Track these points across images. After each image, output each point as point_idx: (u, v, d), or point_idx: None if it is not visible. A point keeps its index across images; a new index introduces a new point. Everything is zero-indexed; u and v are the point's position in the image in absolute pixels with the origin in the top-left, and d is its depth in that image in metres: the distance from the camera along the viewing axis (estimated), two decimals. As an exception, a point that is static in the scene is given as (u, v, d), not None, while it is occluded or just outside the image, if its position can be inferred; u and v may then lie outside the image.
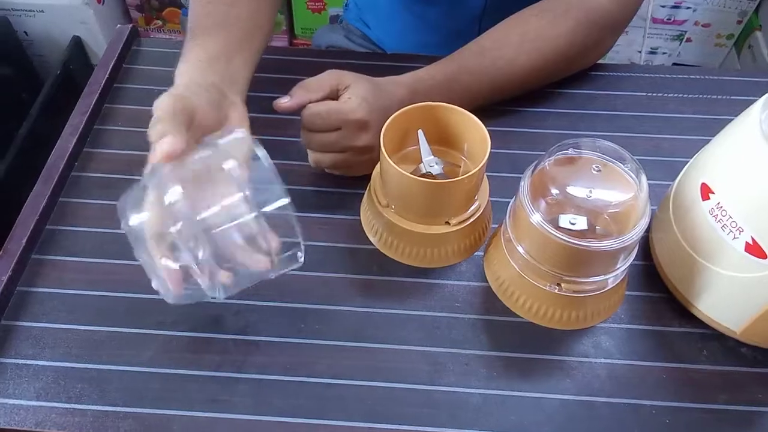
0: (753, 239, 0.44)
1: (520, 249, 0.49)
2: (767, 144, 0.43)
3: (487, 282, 0.54)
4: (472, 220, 0.53)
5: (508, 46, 0.62)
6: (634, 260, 0.55)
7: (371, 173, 0.56)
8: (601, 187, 0.46)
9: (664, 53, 1.56)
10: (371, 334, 0.50)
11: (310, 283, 0.53)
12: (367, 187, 0.56)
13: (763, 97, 0.46)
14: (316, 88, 0.54)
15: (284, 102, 0.54)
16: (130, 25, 0.74)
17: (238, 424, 0.46)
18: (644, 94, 0.70)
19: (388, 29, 0.90)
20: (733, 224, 0.45)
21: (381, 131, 0.50)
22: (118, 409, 0.46)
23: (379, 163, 0.54)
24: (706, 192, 0.47)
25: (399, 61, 0.70)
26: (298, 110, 0.54)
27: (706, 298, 0.49)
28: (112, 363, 0.48)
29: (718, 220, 0.46)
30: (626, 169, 0.47)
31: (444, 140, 0.56)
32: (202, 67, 0.52)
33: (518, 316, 0.52)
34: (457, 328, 0.51)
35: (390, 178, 0.51)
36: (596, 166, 0.46)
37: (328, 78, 0.55)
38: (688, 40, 1.56)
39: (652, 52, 1.55)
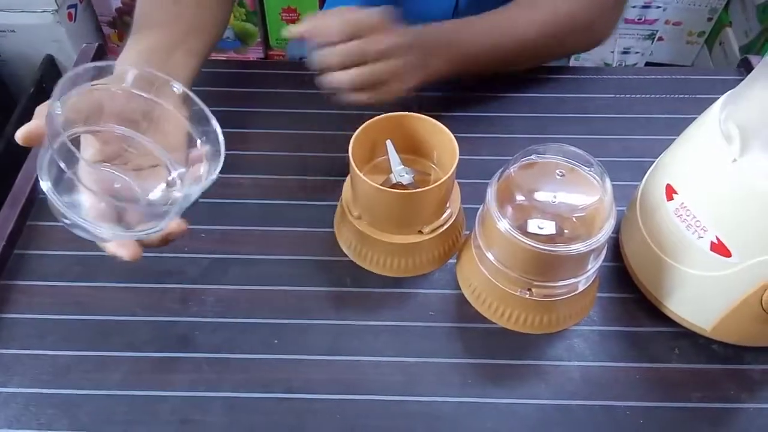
0: (717, 238, 0.44)
1: (489, 256, 0.49)
2: (726, 144, 0.43)
3: (459, 290, 0.54)
4: (444, 228, 0.53)
5: (513, 10, 0.64)
6: (605, 262, 0.55)
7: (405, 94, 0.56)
8: (566, 191, 0.47)
9: (637, 53, 1.58)
10: (346, 347, 0.50)
11: (283, 298, 0.53)
12: (339, 200, 0.56)
13: (722, 97, 0.46)
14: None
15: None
16: (97, 44, 0.73)
17: (213, 444, 0.45)
18: (613, 95, 0.70)
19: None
20: (698, 224, 0.45)
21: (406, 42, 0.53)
22: (89, 434, 0.45)
23: (349, 176, 0.54)
24: (670, 193, 0.47)
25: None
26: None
27: (676, 297, 0.50)
28: (82, 387, 0.48)
29: (682, 220, 0.46)
30: (591, 172, 0.47)
31: (413, 149, 0.56)
32: (141, 58, 0.52)
33: (492, 323, 0.52)
34: (431, 337, 0.51)
35: (360, 190, 0.51)
36: (560, 171, 0.47)
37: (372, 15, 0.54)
38: (660, 39, 1.58)
39: (625, 52, 1.56)
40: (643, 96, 0.71)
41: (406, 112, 0.53)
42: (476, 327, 0.52)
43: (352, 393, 0.48)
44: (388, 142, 0.54)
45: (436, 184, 0.49)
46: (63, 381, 0.48)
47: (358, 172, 0.49)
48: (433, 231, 0.52)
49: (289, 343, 0.50)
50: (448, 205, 0.53)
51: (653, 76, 0.73)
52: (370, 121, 0.52)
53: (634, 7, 1.47)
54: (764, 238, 0.43)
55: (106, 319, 0.51)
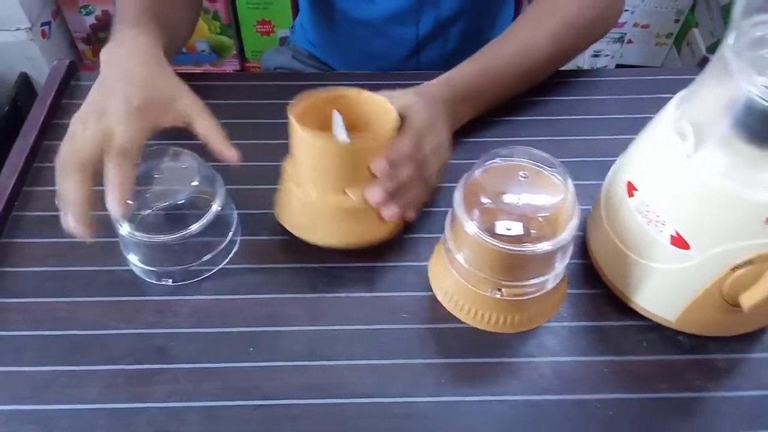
0: (676, 232, 0.46)
1: (459, 258, 0.50)
2: (680, 140, 0.45)
3: (432, 292, 0.55)
4: None
5: (525, 30, 0.66)
6: (574, 259, 0.57)
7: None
8: (530, 193, 0.48)
9: (607, 55, 1.61)
10: (321, 352, 0.51)
11: (256, 306, 0.54)
12: (279, 182, 0.56)
13: (676, 96, 0.48)
14: (402, 148, 0.53)
15: (378, 165, 0.52)
16: (68, 61, 0.73)
17: (191, 453, 0.46)
18: (577, 97, 0.72)
19: (331, 47, 0.91)
20: (657, 219, 0.46)
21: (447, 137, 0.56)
22: (67, 448, 0.46)
23: (287, 158, 0.55)
24: (630, 189, 0.49)
25: (348, 79, 0.72)
26: None
27: (641, 291, 0.51)
28: (60, 402, 0.48)
29: (643, 216, 0.48)
30: (554, 173, 0.48)
31: (357, 129, 0.56)
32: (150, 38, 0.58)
33: (464, 323, 0.53)
34: (405, 339, 0.52)
35: (302, 151, 0.52)
36: (524, 173, 0.48)
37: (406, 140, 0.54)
38: (629, 41, 1.61)
39: (595, 56, 1.59)
40: (609, 97, 0.73)
41: (351, 89, 0.54)
42: (449, 328, 0.53)
43: (328, 397, 0.48)
44: (335, 113, 0.54)
45: (381, 139, 0.50)
46: (41, 397, 0.48)
47: (297, 126, 0.49)
48: None
49: (264, 350, 0.51)
50: None
51: (618, 78, 0.75)
52: (312, 94, 0.53)
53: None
54: (719, 231, 0.44)
55: (82, 333, 0.51)
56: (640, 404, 0.48)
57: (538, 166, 0.49)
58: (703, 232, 0.45)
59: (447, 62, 0.66)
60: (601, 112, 0.71)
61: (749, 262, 0.44)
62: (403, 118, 0.54)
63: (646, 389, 0.49)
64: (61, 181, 0.48)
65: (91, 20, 1.56)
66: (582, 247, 0.57)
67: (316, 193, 0.53)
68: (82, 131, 0.49)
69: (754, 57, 0.42)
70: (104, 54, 0.56)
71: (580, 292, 0.55)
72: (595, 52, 1.58)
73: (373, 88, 0.56)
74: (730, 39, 0.41)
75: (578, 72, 0.77)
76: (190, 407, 0.48)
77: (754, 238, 0.43)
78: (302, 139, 0.50)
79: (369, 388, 0.49)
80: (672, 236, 0.46)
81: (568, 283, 0.55)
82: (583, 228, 0.58)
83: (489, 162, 0.49)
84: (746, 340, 0.52)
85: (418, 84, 0.60)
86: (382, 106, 0.53)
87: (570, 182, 0.47)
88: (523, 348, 0.52)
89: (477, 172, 0.49)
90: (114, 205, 0.47)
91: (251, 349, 0.51)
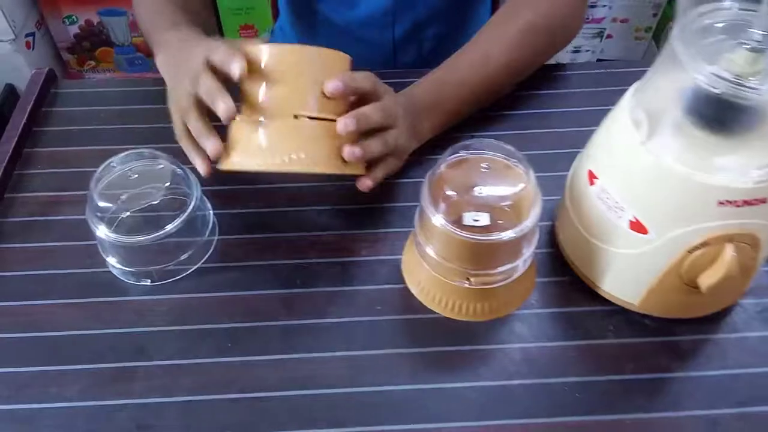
0: (635, 217, 0.47)
1: (429, 250, 0.52)
2: (635, 129, 0.46)
3: (405, 284, 0.56)
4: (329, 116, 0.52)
5: (484, 37, 0.67)
6: (543, 249, 0.58)
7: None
8: (492, 183, 0.49)
9: (587, 51, 1.63)
10: (297, 346, 0.52)
11: (233, 303, 0.55)
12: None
13: (632, 86, 0.50)
14: (362, 80, 0.56)
15: (332, 84, 0.52)
16: (47, 68, 0.75)
17: (169, 446, 0.47)
18: (551, 92, 0.73)
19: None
20: (617, 205, 0.48)
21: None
22: (49, 445, 0.47)
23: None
24: (591, 178, 0.50)
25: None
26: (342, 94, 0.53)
27: (606, 276, 0.52)
28: (42, 401, 0.49)
29: (603, 202, 0.49)
30: (516, 164, 0.50)
31: None
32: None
33: (436, 313, 0.54)
34: (379, 330, 0.53)
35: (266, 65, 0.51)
36: (485, 165, 0.49)
37: (364, 77, 0.56)
38: (609, 36, 1.63)
39: (576, 51, 1.61)
40: (580, 90, 0.74)
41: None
42: (422, 318, 0.54)
43: (303, 389, 0.50)
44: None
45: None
46: (23, 397, 0.49)
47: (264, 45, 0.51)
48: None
49: (241, 346, 0.52)
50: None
51: (590, 71, 0.77)
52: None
53: (593, 6, 1.52)
54: (675, 214, 0.46)
55: (62, 334, 0.53)
56: (606, 385, 0.50)
57: (501, 158, 0.51)
58: (660, 216, 0.46)
59: (423, 66, 0.67)
60: (572, 105, 0.72)
61: (705, 244, 0.46)
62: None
63: (612, 371, 0.51)
64: (187, 122, 0.54)
65: (74, 30, 1.57)
66: (551, 236, 0.59)
67: (272, 114, 0.52)
68: (177, 87, 0.55)
69: (701, 46, 0.43)
70: (159, 60, 0.60)
71: (549, 281, 0.57)
72: (575, 47, 1.60)
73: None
74: (676, 29, 0.43)
75: (556, 67, 0.78)
76: (169, 402, 0.49)
77: (708, 220, 0.45)
78: (271, 53, 0.51)
79: (343, 379, 0.50)
80: (631, 221, 0.48)
81: (538, 271, 0.57)
82: (552, 218, 0.60)
83: (453, 156, 0.50)
84: (710, 321, 0.53)
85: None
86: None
87: (531, 172, 0.49)
88: (493, 335, 0.53)
89: (442, 167, 0.50)
90: (222, 107, 0.51)
91: (229, 344, 0.52)
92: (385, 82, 0.59)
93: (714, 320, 0.53)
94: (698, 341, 0.52)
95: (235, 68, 0.50)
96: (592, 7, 1.54)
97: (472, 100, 0.67)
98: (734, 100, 0.42)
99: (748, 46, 0.41)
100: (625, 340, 0.53)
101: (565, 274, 0.57)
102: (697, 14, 0.44)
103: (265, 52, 0.51)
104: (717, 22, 0.44)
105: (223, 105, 0.51)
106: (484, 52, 0.66)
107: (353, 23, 0.84)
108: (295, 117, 0.52)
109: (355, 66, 0.56)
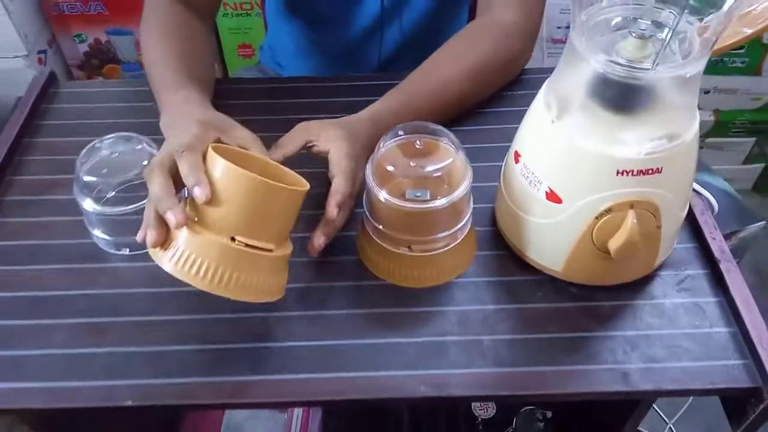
0: (550, 188, 0.53)
1: (375, 223, 0.58)
2: (547, 110, 0.53)
3: (358, 255, 0.62)
4: None
5: (444, 67, 0.71)
6: (484, 227, 0.64)
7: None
8: (426, 159, 0.56)
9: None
10: (259, 306, 0.57)
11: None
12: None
13: (549, 77, 0.56)
14: (287, 143, 0.60)
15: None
16: (48, 71, 0.83)
17: (139, 386, 0.53)
18: (511, 93, 0.80)
19: (298, 68, 1.00)
20: (535, 178, 0.54)
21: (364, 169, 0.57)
22: (31, 384, 0.53)
23: None
24: (516, 157, 0.57)
25: (296, 82, 0.80)
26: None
27: (532, 247, 0.58)
28: (26, 348, 0.55)
29: (525, 177, 0.55)
30: (446, 142, 0.56)
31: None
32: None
33: (383, 280, 0.60)
34: (333, 295, 0.59)
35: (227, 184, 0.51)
36: (419, 143, 0.56)
37: (299, 133, 0.61)
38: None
39: (551, 56, 1.68)
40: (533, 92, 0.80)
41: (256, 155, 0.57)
42: (371, 285, 0.60)
43: (262, 341, 0.56)
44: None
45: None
46: (11, 345, 0.56)
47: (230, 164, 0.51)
48: None
49: (207, 306, 0.58)
50: None
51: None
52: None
53: (559, 27, 1.59)
54: (583, 184, 0.52)
55: (46, 294, 0.59)
56: (529, 343, 0.55)
57: (432, 138, 0.57)
58: (570, 186, 0.53)
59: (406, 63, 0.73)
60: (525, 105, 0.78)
61: (609, 210, 0.52)
62: (331, 157, 0.59)
63: (536, 331, 0.56)
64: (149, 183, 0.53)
65: (84, 48, 1.67)
66: (491, 216, 0.65)
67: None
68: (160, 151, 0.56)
69: (598, 39, 0.50)
70: (162, 123, 0.64)
71: (487, 254, 0.62)
72: (549, 53, 1.66)
73: (339, 92, 0.63)
74: (572, 28, 0.50)
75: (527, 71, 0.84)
76: (138, 351, 0.55)
77: (611, 188, 0.51)
78: (234, 176, 0.50)
79: (299, 334, 0.56)
80: (547, 192, 0.54)
81: (479, 246, 0.63)
82: (493, 200, 0.66)
83: (393, 139, 0.57)
84: (629, 289, 0.59)
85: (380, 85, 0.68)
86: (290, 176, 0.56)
87: (461, 149, 0.55)
88: (433, 299, 0.59)
89: (383, 149, 0.57)
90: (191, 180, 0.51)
91: (196, 305, 0.58)
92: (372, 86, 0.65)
93: (633, 288, 0.59)
94: (616, 306, 0.58)
95: (199, 195, 0.50)
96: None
97: (439, 114, 0.70)
98: (628, 82, 0.49)
99: (635, 35, 0.48)
100: (550, 304, 0.58)
101: (501, 248, 0.63)
102: (589, 14, 0.51)
103: (223, 169, 0.51)
104: (612, 18, 0.51)
105: (173, 219, 0.50)
106: (444, 80, 0.70)
107: (341, 41, 0.91)
108: (232, 239, 0.51)
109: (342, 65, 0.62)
